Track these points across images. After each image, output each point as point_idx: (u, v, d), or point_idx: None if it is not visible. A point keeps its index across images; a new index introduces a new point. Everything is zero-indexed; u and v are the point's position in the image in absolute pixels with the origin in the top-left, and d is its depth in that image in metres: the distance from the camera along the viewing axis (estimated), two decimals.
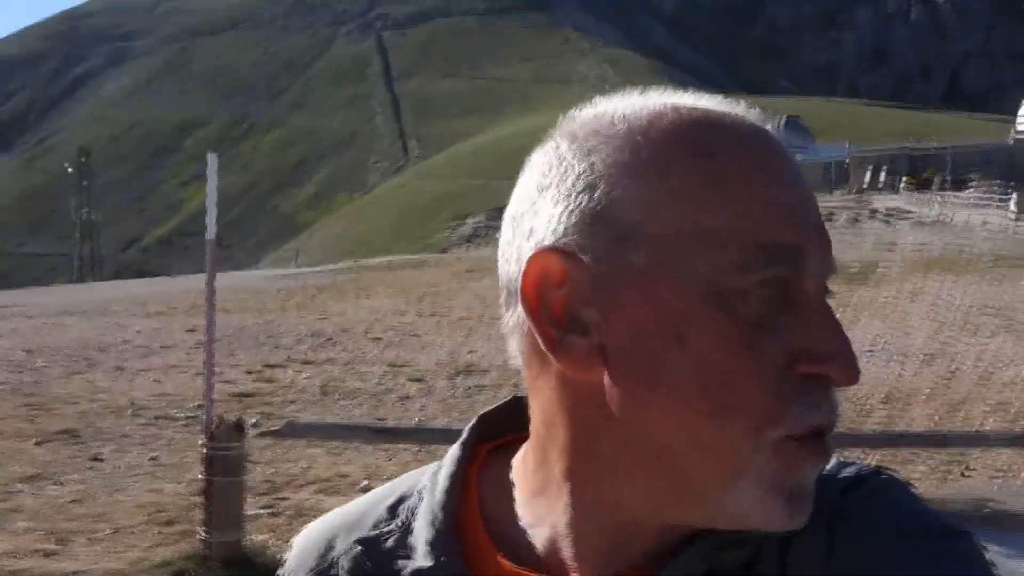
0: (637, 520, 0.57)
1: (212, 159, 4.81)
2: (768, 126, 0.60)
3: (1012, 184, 64.85)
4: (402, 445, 7.70)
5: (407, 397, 10.29)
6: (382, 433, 5.56)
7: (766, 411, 0.54)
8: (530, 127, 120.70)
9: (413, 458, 7.55)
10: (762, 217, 0.54)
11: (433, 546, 0.60)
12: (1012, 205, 48.52)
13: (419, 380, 11.34)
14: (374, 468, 7.20)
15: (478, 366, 12.31)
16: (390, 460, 7.43)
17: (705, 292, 0.53)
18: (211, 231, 4.81)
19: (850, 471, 0.60)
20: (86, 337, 15.71)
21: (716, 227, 0.54)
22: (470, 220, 74.33)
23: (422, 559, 0.60)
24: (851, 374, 0.54)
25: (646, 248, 0.54)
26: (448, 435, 5.98)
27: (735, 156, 0.56)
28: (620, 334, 0.55)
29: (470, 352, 13.58)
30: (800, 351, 0.54)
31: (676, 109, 0.60)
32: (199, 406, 8.91)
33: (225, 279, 42.36)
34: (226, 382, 11.21)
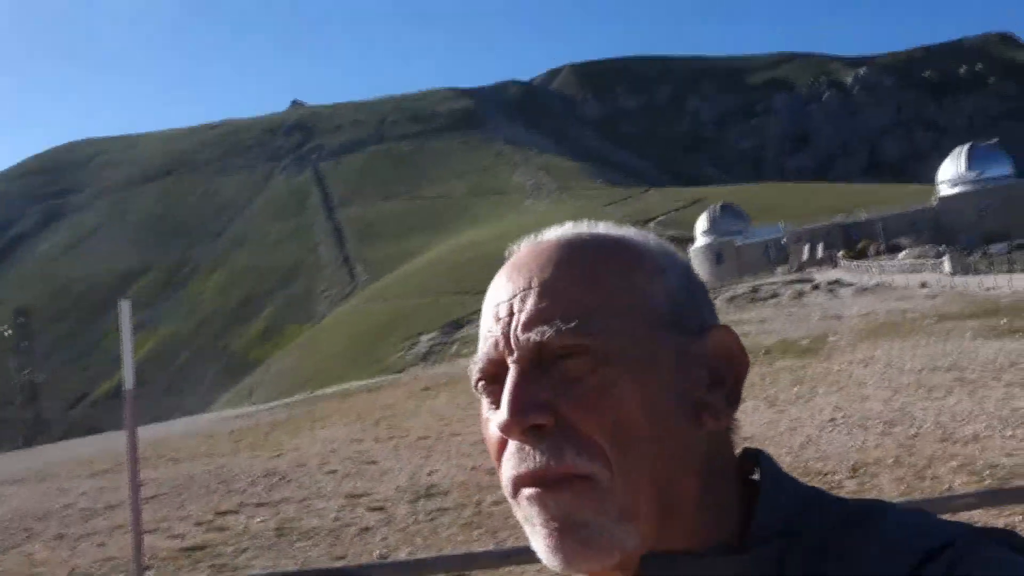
0: None
1: (124, 306, 4.61)
2: (569, 234, 0.79)
3: (942, 244, 66.87)
4: None
5: (366, 529, 9.86)
6: None
7: (499, 466, 0.73)
8: (472, 240, 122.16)
9: None
10: (481, 330, 0.77)
11: None
12: (946, 264, 49.86)
13: (379, 509, 10.91)
14: None
15: (439, 487, 11.93)
16: None
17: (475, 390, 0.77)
18: (129, 381, 4.57)
19: (942, 536, 0.62)
20: (25, 507, 14.98)
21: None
22: (423, 338, 74.06)
23: None
24: (499, 421, 0.70)
25: None
26: (402, 568, 5.55)
27: (493, 280, 0.80)
28: None
29: (430, 473, 13.18)
30: None
31: (529, 243, 0.81)
32: (147, 568, 8.40)
33: (175, 426, 41.31)
34: (175, 537, 10.67)
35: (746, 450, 0.76)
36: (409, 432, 19.32)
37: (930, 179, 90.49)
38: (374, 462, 15.28)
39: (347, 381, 56.11)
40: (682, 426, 0.71)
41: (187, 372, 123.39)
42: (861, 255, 69.11)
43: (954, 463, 9.25)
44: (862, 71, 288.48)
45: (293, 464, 16.29)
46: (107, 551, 10.40)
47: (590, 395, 0.68)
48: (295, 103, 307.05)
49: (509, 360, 0.71)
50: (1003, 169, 79.38)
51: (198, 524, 11.36)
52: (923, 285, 41.66)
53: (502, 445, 0.71)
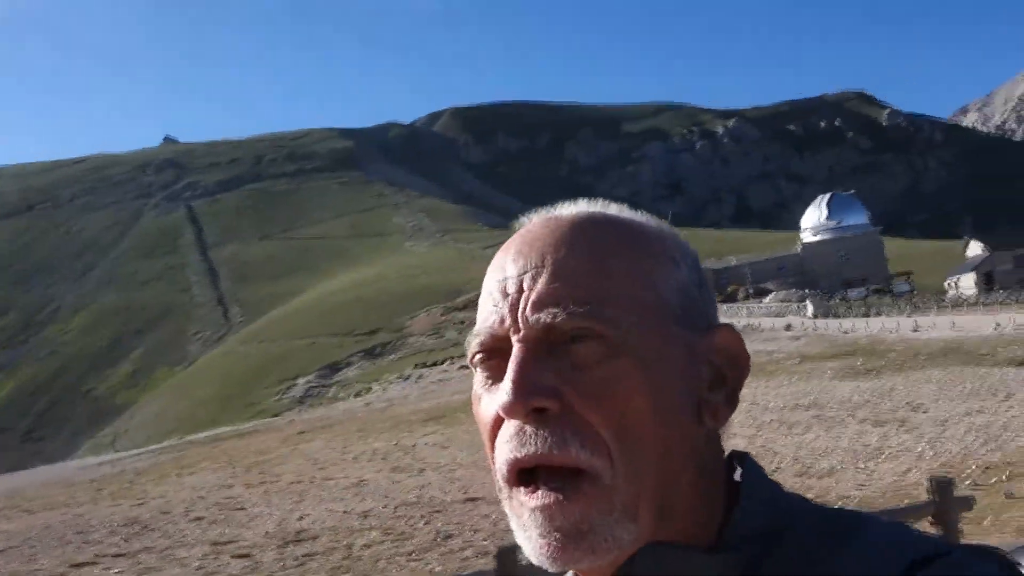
0: None
1: None
2: (584, 214, 0.77)
3: (806, 288, 70.19)
4: None
5: None
6: None
7: (490, 452, 0.71)
8: (351, 281, 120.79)
9: None
10: (483, 303, 0.75)
11: None
12: (809, 307, 52.31)
13: (245, 556, 10.56)
14: None
15: (309, 532, 11.66)
16: None
17: (470, 365, 0.77)
18: None
19: (927, 546, 0.62)
20: None
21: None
22: (300, 381, 72.32)
23: None
24: (501, 401, 0.67)
25: None
26: None
27: (494, 259, 0.78)
28: None
29: (300, 518, 12.87)
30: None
31: (541, 218, 0.80)
32: None
33: (33, 475, 38.96)
34: None
35: (732, 453, 0.76)
36: (281, 477, 18.83)
37: (794, 227, 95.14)
38: (243, 508, 14.81)
39: (219, 426, 54.22)
40: (685, 424, 0.70)
41: (48, 418, 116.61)
42: (730, 298, 71.77)
43: (810, 495, 9.65)
44: (732, 123, 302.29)
45: (157, 512, 15.61)
46: None
47: (599, 385, 0.67)
48: (168, 139, 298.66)
49: (514, 338, 0.70)
50: (860, 218, 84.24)
51: None
52: (787, 327, 43.52)
53: (496, 424, 0.70)
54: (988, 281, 68.81)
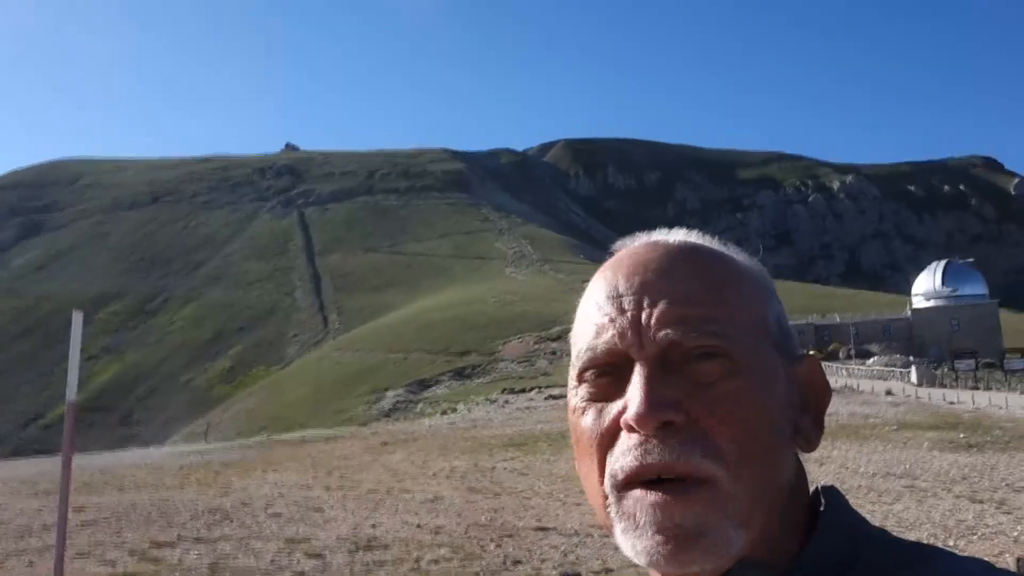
0: None
1: (76, 318, 4.63)
2: (690, 242, 0.82)
3: (911, 355, 67.58)
4: None
5: (301, 574, 9.71)
6: None
7: (598, 462, 0.74)
8: (449, 301, 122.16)
9: None
10: (591, 318, 0.78)
11: None
12: (913, 375, 50.36)
13: (316, 556, 10.76)
14: None
15: (381, 540, 11.80)
16: None
17: (570, 384, 0.80)
18: (72, 392, 4.57)
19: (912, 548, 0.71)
20: None
21: (576, 333, 0.80)
22: (389, 393, 73.40)
23: None
24: (635, 413, 0.70)
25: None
26: None
27: (594, 279, 0.81)
28: None
29: (374, 526, 13.03)
30: (623, 409, 0.72)
31: (647, 242, 0.84)
32: None
33: (126, 456, 40.54)
34: (106, 563, 10.46)
35: (823, 485, 0.80)
36: (360, 484, 19.11)
37: (906, 290, 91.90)
38: (320, 510, 15.09)
39: (307, 429, 55.44)
40: (787, 444, 0.75)
41: (147, 403, 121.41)
42: (831, 356, 69.69)
43: None
44: (849, 178, 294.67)
45: (238, 503, 16.04)
46: (35, 571, 10.18)
47: (724, 400, 0.71)
48: (288, 146, 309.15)
49: (637, 353, 0.73)
50: (976, 288, 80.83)
51: (132, 553, 11.14)
52: (888, 392, 42.01)
53: (610, 437, 0.73)
54: None
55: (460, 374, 77.99)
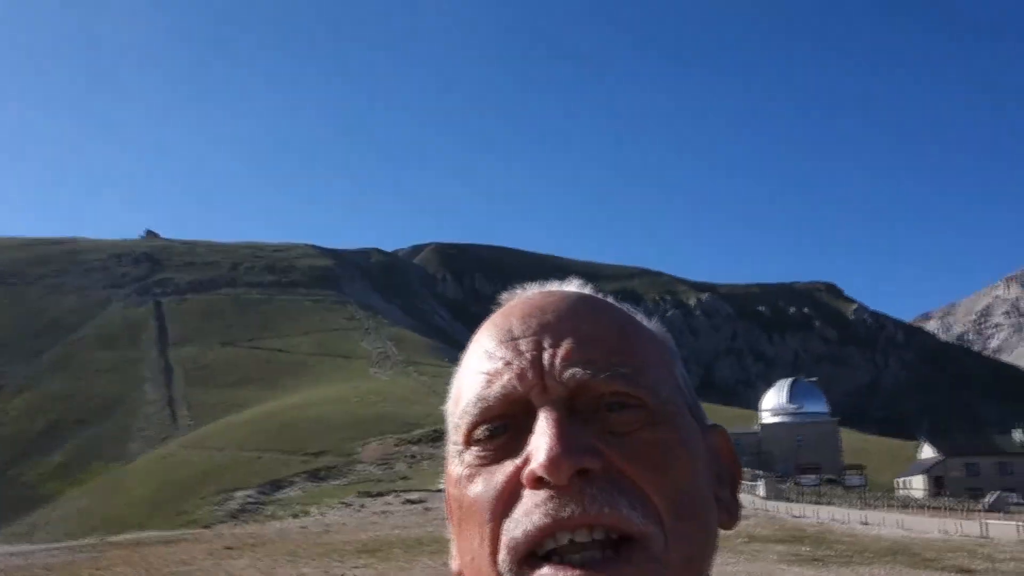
0: None
1: None
2: (584, 291, 0.72)
3: (760, 469, 69.91)
4: None
5: None
6: None
7: (490, 535, 0.59)
8: (308, 400, 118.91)
9: None
10: (482, 366, 0.66)
11: None
12: (761, 488, 51.99)
13: None
14: None
15: None
16: None
17: (452, 453, 0.66)
18: None
19: None
20: None
21: (458, 391, 0.69)
22: (238, 494, 70.00)
23: None
24: (544, 459, 0.57)
25: None
26: None
27: (480, 331, 0.72)
28: None
29: None
30: (525, 462, 0.59)
31: (540, 290, 0.73)
32: None
33: None
34: None
35: None
36: None
37: (755, 405, 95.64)
38: None
39: (146, 530, 52.05)
40: (712, 515, 0.64)
41: None
42: None
43: None
44: (705, 296, 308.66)
45: None
46: None
47: (647, 450, 0.60)
48: (149, 233, 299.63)
49: (539, 398, 0.61)
50: (819, 406, 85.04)
51: None
52: None
53: (506, 502, 0.59)
54: (938, 485, 69.28)
55: (315, 475, 75.41)
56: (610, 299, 0.73)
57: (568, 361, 0.62)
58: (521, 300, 0.72)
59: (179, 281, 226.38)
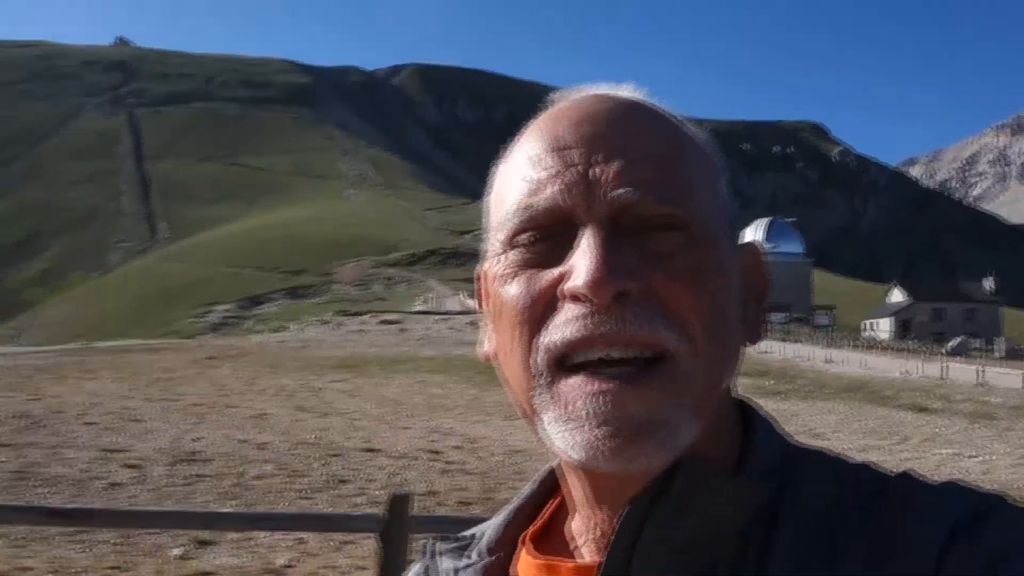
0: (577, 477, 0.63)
1: None
2: (640, 98, 0.67)
3: None
4: (100, 536, 6.94)
5: (116, 485, 9.36)
6: (57, 516, 4.55)
7: (526, 336, 0.59)
8: (285, 219, 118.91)
9: (112, 550, 6.83)
10: (526, 173, 0.62)
11: (480, 550, 0.66)
12: None
13: (133, 467, 10.39)
14: (64, 561, 6.42)
15: (203, 454, 11.52)
16: (84, 552, 6.65)
17: (493, 251, 0.64)
18: None
19: (962, 504, 0.56)
20: None
21: (500, 194, 0.66)
22: (218, 308, 71.14)
23: (466, 559, 0.66)
24: (586, 278, 0.56)
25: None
26: (141, 518, 5.25)
27: (527, 131, 0.66)
28: None
29: (196, 440, 12.70)
30: (563, 275, 0.58)
31: (594, 93, 0.67)
32: None
33: None
34: None
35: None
36: (183, 397, 18.56)
37: None
38: (138, 420, 14.56)
39: (128, 339, 53.08)
40: (739, 331, 0.64)
41: None
42: None
43: None
44: None
45: (49, 411, 15.23)
46: None
47: (688, 271, 0.59)
48: (120, 40, 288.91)
49: (584, 214, 0.59)
50: (795, 247, 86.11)
51: None
52: None
53: (543, 307, 0.60)
54: (904, 328, 71.15)
55: (293, 293, 76.51)
56: (664, 106, 0.70)
57: (618, 180, 0.60)
58: (572, 104, 0.67)
59: (153, 92, 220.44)
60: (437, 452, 12.79)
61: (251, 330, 57.99)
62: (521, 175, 0.63)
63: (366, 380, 24.13)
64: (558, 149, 0.62)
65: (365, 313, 58.34)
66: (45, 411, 15.13)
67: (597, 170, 0.60)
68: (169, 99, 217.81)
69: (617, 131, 0.62)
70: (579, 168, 0.60)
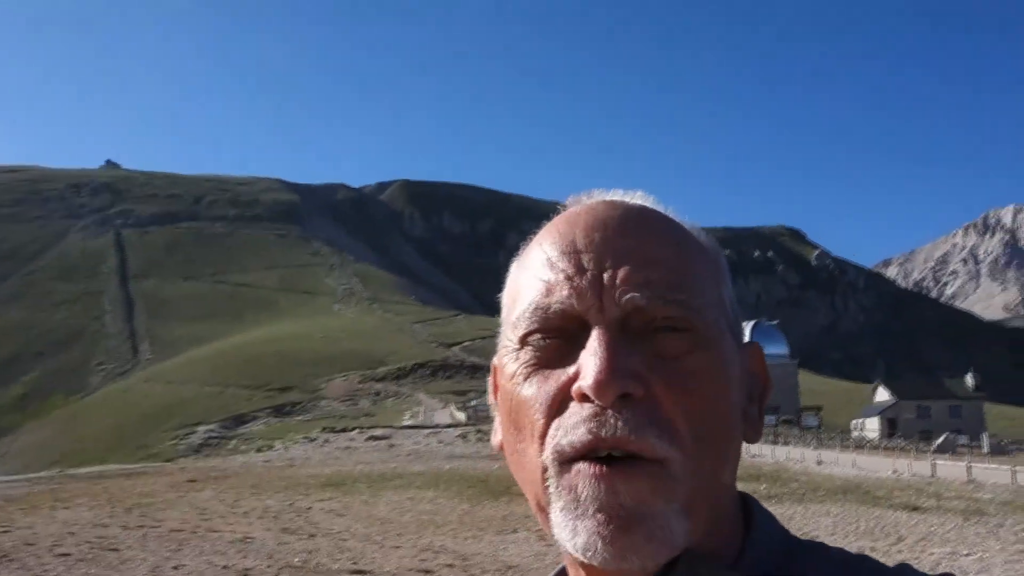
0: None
1: None
2: (649, 204, 0.74)
3: None
4: None
5: None
6: None
7: (540, 433, 0.66)
8: (272, 335, 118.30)
9: None
10: (542, 275, 0.70)
11: None
12: None
13: None
14: None
15: None
16: None
17: (507, 348, 0.71)
18: None
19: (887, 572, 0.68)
20: None
21: (516, 291, 0.73)
22: (200, 428, 69.85)
23: None
24: (593, 381, 0.63)
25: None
26: None
27: (542, 234, 0.75)
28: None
29: (176, 567, 12.17)
30: (575, 375, 0.65)
31: (605, 199, 0.75)
32: None
33: None
34: None
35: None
36: (162, 523, 17.91)
37: None
38: (115, 549, 13.98)
39: (106, 464, 51.87)
40: (738, 431, 0.70)
41: None
42: None
43: None
44: None
45: (20, 543, 14.62)
46: None
47: (687, 377, 0.65)
48: (109, 163, 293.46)
49: (595, 317, 0.66)
50: (780, 348, 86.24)
51: None
52: None
53: (558, 406, 0.66)
54: (892, 427, 71.08)
55: (279, 411, 75.43)
56: (670, 212, 0.75)
57: (626, 283, 0.66)
58: (586, 209, 0.73)
59: (140, 213, 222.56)
60: (428, 572, 12.30)
61: (235, 450, 56.88)
62: (536, 275, 0.70)
63: (353, 498, 23.48)
64: (571, 252, 0.68)
65: (352, 429, 57.50)
66: (15, 543, 14.53)
67: (608, 274, 0.66)
68: (156, 219, 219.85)
69: (628, 237, 0.68)
70: (591, 272, 0.67)
